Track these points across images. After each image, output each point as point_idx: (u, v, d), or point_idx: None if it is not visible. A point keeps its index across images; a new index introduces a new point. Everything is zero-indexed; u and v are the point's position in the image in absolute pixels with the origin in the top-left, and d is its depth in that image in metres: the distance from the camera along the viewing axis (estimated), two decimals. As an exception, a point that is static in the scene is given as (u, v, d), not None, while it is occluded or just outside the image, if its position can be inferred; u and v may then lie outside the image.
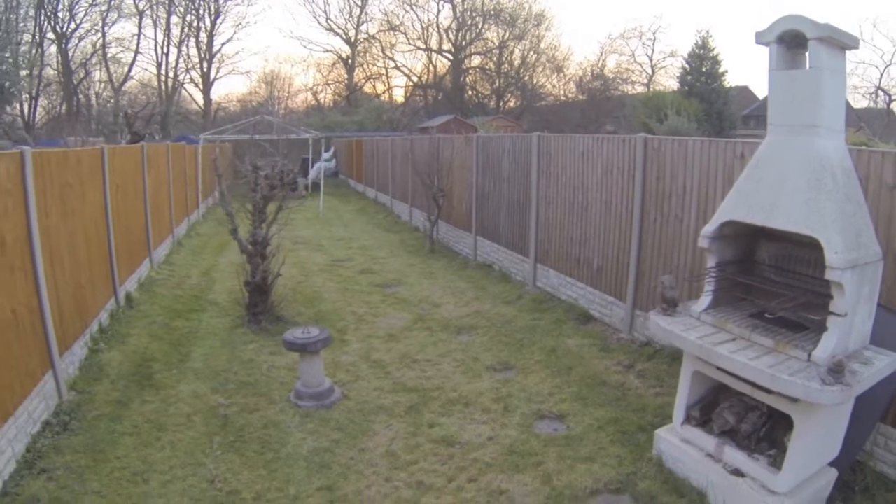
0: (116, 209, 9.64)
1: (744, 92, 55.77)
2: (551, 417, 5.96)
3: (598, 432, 5.59)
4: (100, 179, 8.98)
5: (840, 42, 3.99)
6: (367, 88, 66.06)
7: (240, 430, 5.82)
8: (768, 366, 3.86)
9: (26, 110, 45.71)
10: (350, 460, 5.29)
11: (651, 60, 62.70)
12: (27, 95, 44.27)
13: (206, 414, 6.12)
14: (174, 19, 56.90)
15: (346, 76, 65.62)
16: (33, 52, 43.66)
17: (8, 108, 29.71)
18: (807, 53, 4.06)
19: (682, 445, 4.83)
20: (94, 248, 8.42)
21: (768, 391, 4.06)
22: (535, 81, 63.30)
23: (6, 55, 31.84)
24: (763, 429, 4.48)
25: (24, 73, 31.68)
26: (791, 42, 4.08)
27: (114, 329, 8.24)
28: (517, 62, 63.10)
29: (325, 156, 35.09)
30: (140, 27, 55.18)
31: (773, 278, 4.69)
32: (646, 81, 61.30)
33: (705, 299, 4.79)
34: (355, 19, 64.11)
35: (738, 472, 4.39)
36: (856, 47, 4.09)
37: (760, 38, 4.21)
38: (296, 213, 20.30)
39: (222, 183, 9.83)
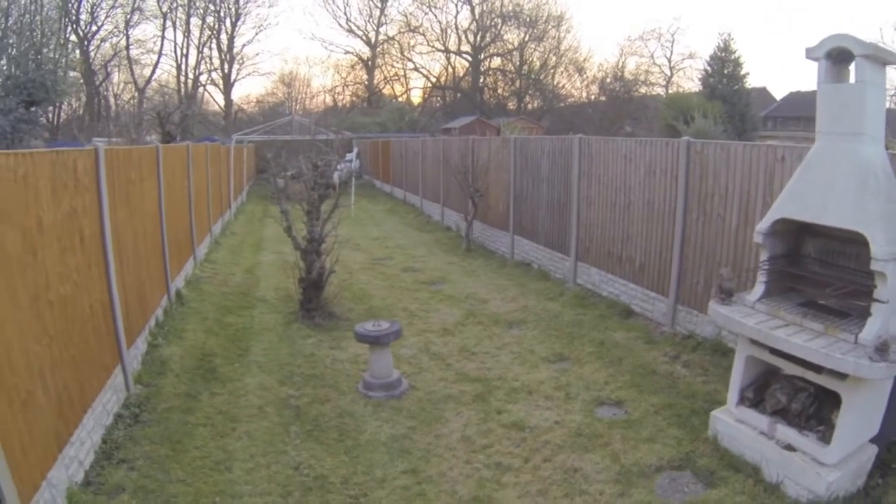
0: (168, 206, 9.86)
1: (762, 93, 55.80)
2: (610, 403, 6.45)
3: (655, 416, 6.06)
4: (155, 177, 9.21)
5: (883, 58, 4.46)
6: (386, 90, 66.66)
7: (314, 419, 6.18)
8: (822, 346, 4.35)
9: (50, 111, 46.46)
10: (428, 445, 5.70)
11: (670, 62, 62.67)
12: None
13: (278, 405, 6.47)
14: (195, 21, 57.76)
15: (365, 77, 66.17)
16: (57, 54, 44.45)
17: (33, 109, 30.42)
18: (851, 68, 4.53)
19: (736, 425, 5.29)
20: (151, 245, 8.64)
21: (818, 371, 4.53)
22: (555, 83, 63.49)
23: (45, 55, 32.59)
24: (812, 407, 4.92)
25: (60, 73, 32.38)
26: (837, 57, 4.55)
27: (170, 325, 8.48)
28: (537, 64, 63.30)
29: (349, 157, 35.64)
30: (163, 29, 56.07)
31: (819, 271, 5.15)
32: (664, 83, 61.34)
33: (759, 289, 5.27)
34: (375, 21, 64.73)
35: (790, 447, 4.83)
36: (895, 63, 4.56)
37: (810, 54, 4.70)
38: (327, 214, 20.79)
39: (274, 180, 10.24)
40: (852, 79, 4.50)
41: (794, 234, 5.31)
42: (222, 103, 61.02)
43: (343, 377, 7.25)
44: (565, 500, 4.84)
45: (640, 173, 8.86)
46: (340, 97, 66.60)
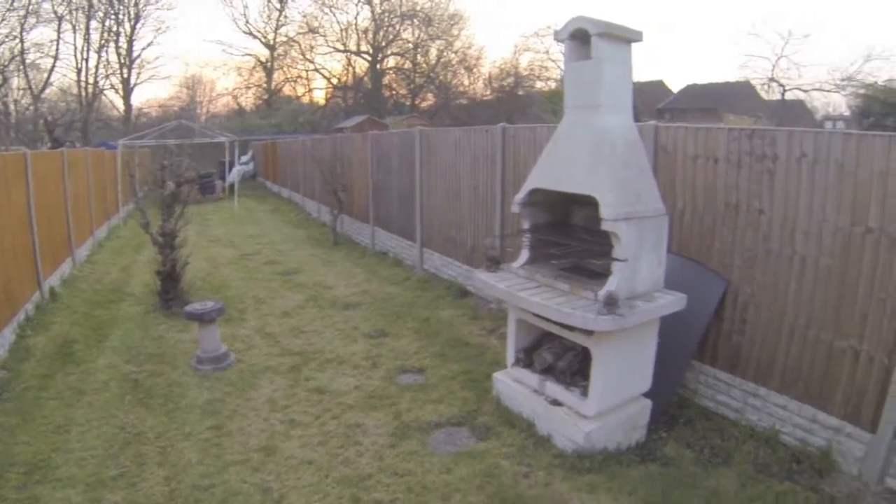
0: (39, 210, 10.16)
1: (657, 86, 57.34)
2: (413, 371, 6.82)
3: (451, 381, 6.44)
4: (23, 182, 9.56)
5: (621, 36, 4.89)
6: (288, 90, 65.89)
7: (148, 389, 6.62)
8: (557, 303, 4.73)
9: None
10: (237, 407, 6.14)
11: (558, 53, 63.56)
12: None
13: (120, 380, 6.88)
14: (93, 24, 55.79)
15: (265, 79, 65.45)
16: None
17: None
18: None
19: (513, 384, 5.68)
20: (19, 244, 9.04)
21: (571, 329, 4.89)
22: (450, 80, 64.04)
23: None
24: (577, 365, 5.31)
25: None
26: (582, 38, 4.94)
27: (39, 318, 8.96)
28: (433, 61, 63.84)
29: (244, 159, 35.36)
30: (59, 32, 53.82)
31: (584, 238, 5.55)
32: (559, 78, 62.26)
33: (522, 257, 5.68)
34: (274, 22, 63.95)
35: (556, 403, 5.22)
36: (639, 40, 4.98)
37: (557, 36, 5.10)
38: (212, 215, 20.87)
39: (135, 183, 10.45)
40: (592, 56, 4.90)
41: (563, 206, 5.71)
42: (122, 108, 59.34)
43: (181, 355, 7.62)
44: (340, 449, 5.22)
45: (467, 160, 9.25)
46: (243, 99, 65.74)
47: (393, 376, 6.68)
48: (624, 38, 4.93)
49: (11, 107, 51.39)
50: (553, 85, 60.13)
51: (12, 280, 8.52)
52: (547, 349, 5.53)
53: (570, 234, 5.54)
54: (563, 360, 5.38)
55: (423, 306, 9.08)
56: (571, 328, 4.85)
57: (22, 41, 51.21)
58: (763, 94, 47.35)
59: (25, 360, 7.51)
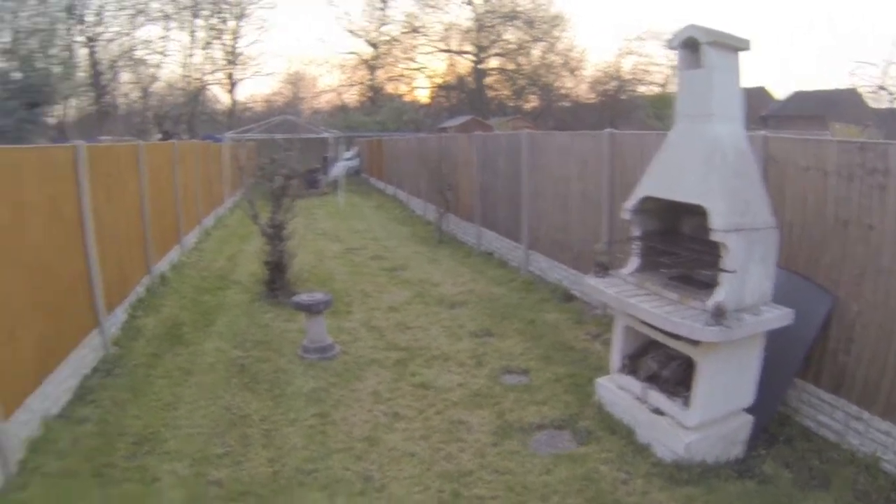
0: (150, 198, 10.81)
1: (759, 93, 55.38)
2: (517, 372, 6.91)
3: (555, 384, 6.51)
4: (136, 171, 10.18)
5: (730, 44, 4.86)
6: (391, 89, 66.81)
7: (254, 374, 7.00)
8: (665, 312, 4.75)
9: (59, 110, 47.31)
10: (342, 397, 6.41)
11: (670, 61, 62.28)
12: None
13: (227, 363, 7.31)
14: (199, 22, 58.37)
15: (369, 77, 66.62)
16: (65, 54, 45.35)
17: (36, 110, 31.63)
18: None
19: (616, 391, 5.72)
20: (132, 230, 9.66)
21: (677, 338, 4.90)
22: (553, 82, 63.45)
23: (49, 57, 33.78)
24: (681, 375, 5.28)
25: (64, 73, 33.59)
26: (693, 47, 4.94)
27: (149, 301, 9.55)
28: (536, 63, 63.40)
29: (348, 155, 36.19)
30: (167, 30, 57.04)
31: (693, 247, 5.53)
32: (663, 82, 60.94)
33: (632, 264, 5.69)
34: (377, 21, 64.96)
35: (658, 411, 5.23)
36: (746, 48, 4.93)
37: (670, 45, 5.12)
38: (318, 209, 21.42)
39: (244, 175, 10.96)
40: (702, 65, 4.89)
41: (672, 213, 5.70)
42: (228, 102, 61.85)
43: (287, 343, 7.95)
44: (443, 444, 5.37)
45: (574, 165, 9.27)
46: (346, 96, 67.14)
47: (497, 376, 6.80)
48: (732, 46, 4.90)
49: (121, 100, 54.62)
50: (656, 89, 58.81)
51: (125, 264, 9.11)
52: (651, 357, 5.54)
53: (678, 243, 5.52)
54: (668, 368, 5.39)
55: (528, 308, 9.15)
56: (677, 337, 4.86)
57: (131, 38, 54.37)
58: (871, 103, 44.88)
59: (136, 339, 8.06)
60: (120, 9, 52.40)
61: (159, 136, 36.96)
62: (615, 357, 5.85)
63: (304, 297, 7.76)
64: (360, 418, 5.91)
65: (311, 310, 7.52)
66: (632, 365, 5.71)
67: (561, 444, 5.36)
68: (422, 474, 4.93)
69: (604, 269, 5.76)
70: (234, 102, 61.18)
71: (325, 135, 30.12)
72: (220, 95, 62.31)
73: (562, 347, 7.54)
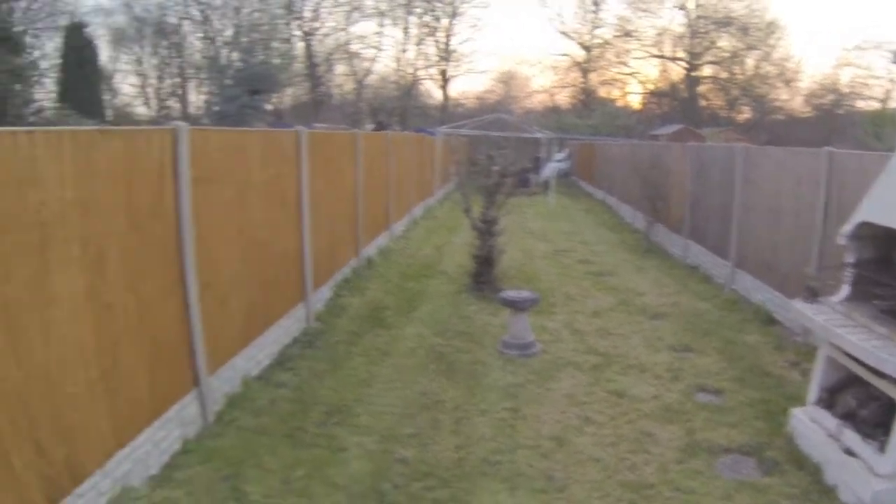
0: (364, 184, 11.59)
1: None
2: (711, 391, 6.84)
3: (747, 408, 6.38)
4: (352, 158, 10.95)
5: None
6: (603, 93, 66.05)
7: (452, 363, 7.46)
8: (873, 346, 4.54)
9: (275, 99, 51.51)
10: (536, 394, 6.69)
11: (892, 75, 56.07)
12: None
13: (426, 349, 7.84)
14: (412, 19, 61.13)
15: (581, 80, 66.24)
16: (284, 47, 49.48)
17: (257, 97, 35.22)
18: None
19: (810, 424, 5.49)
20: (344, 213, 10.44)
21: (881, 376, 4.66)
22: (767, 94, 59.69)
23: (271, 49, 37.45)
24: (880, 417, 4.95)
25: (283, 65, 37.22)
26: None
27: (355, 282, 10.33)
28: (749, 73, 60.02)
29: (559, 156, 36.37)
30: (381, 26, 60.29)
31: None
32: (883, 97, 54.98)
33: (843, 292, 5.48)
34: (589, 24, 64.42)
35: (850, 452, 4.94)
36: None
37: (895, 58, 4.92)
38: (527, 208, 21.85)
39: (458, 169, 11.53)
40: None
41: (889, 241, 5.45)
42: (440, 97, 64.13)
43: (489, 337, 8.37)
44: (629, 454, 5.47)
45: (789, 182, 8.96)
46: (559, 97, 67.25)
47: (691, 392, 6.77)
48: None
49: (335, 90, 58.38)
50: (875, 105, 53.32)
51: (337, 245, 9.87)
52: (851, 394, 5.30)
53: (889, 273, 5.31)
54: (867, 408, 5.10)
55: (728, 327, 8.96)
56: (882, 375, 4.66)
57: (347, 33, 58.96)
58: None
59: (339, 316, 8.74)
60: (336, 5, 56.52)
61: (372, 126, 39.29)
62: (813, 388, 5.65)
63: (511, 294, 8.08)
64: (551, 417, 6.13)
65: (516, 306, 7.82)
66: (829, 399, 5.50)
67: (745, 470, 5.28)
68: (604, 481, 5.05)
69: (813, 294, 5.60)
70: (447, 98, 63.37)
71: (538, 135, 30.51)
72: (432, 90, 64.92)
73: (758, 371, 7.35)
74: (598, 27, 64.54)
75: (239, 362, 6.41)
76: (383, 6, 59.22)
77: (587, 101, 63.17)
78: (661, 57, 63.34)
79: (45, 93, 36.03)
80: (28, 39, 32.71)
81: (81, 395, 4.01)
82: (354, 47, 59.98)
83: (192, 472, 4.92)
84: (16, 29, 30.00)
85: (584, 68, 65.59)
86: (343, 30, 58.43)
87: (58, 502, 3.76)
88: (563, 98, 67.10)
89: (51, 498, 3.71)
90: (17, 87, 27.85)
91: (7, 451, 3.39)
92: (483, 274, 10.43)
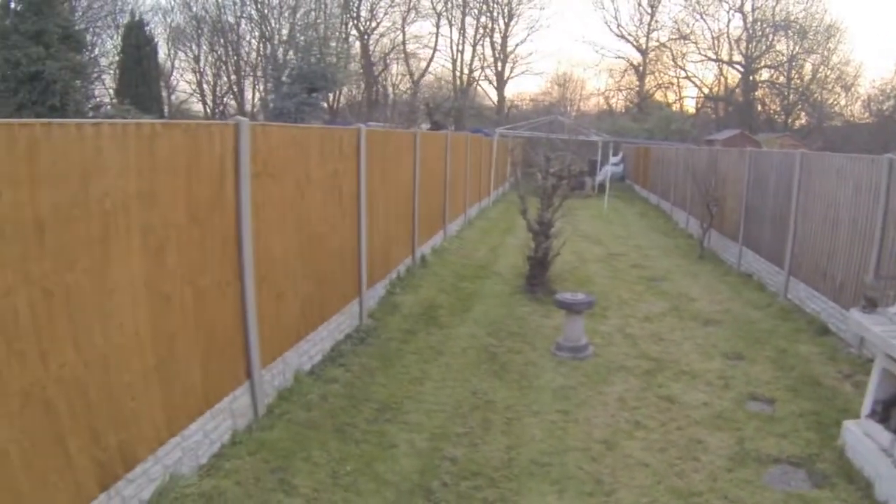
0: (421, 184, 11.72)
1: None
2: (762, 399, 6.80)
3: (798, 419, 6.32)
4: (411, 157, 11.09)
5: None
6: (658, 96, 65.28)
7: (504, 364, 7.56)
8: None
9: (331, 97, 52.20)
10: (587, 397, 6.75)
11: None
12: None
13: (478, 349, 7.95)
14: (469, 20, 61.29)
15: (637, 83, 65.59)
16: (339, 47, 50.11)
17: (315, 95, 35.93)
18: None
19: (862, 437, 5.41)
20: (401, 212, 10.57)
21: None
22: (825, 99, 57.97)
23: (328, 49, 38.17)
24: None
25: (340, 64, 37.98)
26: None
27: (409, 280, 10.49)
28: (807, 77, 58.45)
29: (614, 160, 36.15)
30: (437, 27, 60.38)
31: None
32: None
33: (904, 303, 5.44)
34: (645, 27, 63.61)
35: (904, 470, 4.88)
36: None
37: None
38: (581, 211, 21.88)
39: (517, 171, 11.64)
40: None
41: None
42: (496, 98, 64.15)
43: (541, 339, 8.46)
44: (678, 460, 5.49)
45: (847, 190, 8.83)
46: (613, 101, 66.74)
47: (742, 401, 6.74)
48: None
49: (391, 89, 58.89)
50: None
51: (392, 243, 9.99)
52: (907, 408, 5.32)
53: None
54: None
55: (781, 336, 8.88)
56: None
57: (403, 33, 59.52)
58: None
59: (392, 314, 8.86)
60: (392, 5, 57.17)
61: (428, 126, 39.66)
62: (867, 400, 5.57)
63: (566, 296, 8.13)
64: (602, 421, 6.18)
65: (571, 309, 7.87)
66: (883, 413, 5.41)
67: (795, 482, 5.25)
68: (652, 486, 5.08)
69: (872, 304, 5.56)
70: (502, 99, 63.34)
71: (595, 138, 30.43)
72: (488, 91, 64.90)
73: (810, 382, 7.27)
74: (654, 30, 63.84)
75: (291, 356, 6.53)
76: (440, 6, 59.63)
77: (642, 104, 62.53)
78: (718, 60, 62.32)
79: (105, 89, 37.56)
80: (88, 37, 34.16)
81: (137, 383, 4.17)
82: (410, 47, 60.62)
83: (241, 463, 5.07)
84: (77, 27, 31.15)
85: (640, 71, 64.91)
86: (399, 30, 59.08)
87: (109, 486, 3.92)
88: (618, 101, 66.79)
89: (102, 482, 3.87)
90: (78, 83, 28.95)
91: (63, 436, 3.55)
92: (537, 276, 10.54)
